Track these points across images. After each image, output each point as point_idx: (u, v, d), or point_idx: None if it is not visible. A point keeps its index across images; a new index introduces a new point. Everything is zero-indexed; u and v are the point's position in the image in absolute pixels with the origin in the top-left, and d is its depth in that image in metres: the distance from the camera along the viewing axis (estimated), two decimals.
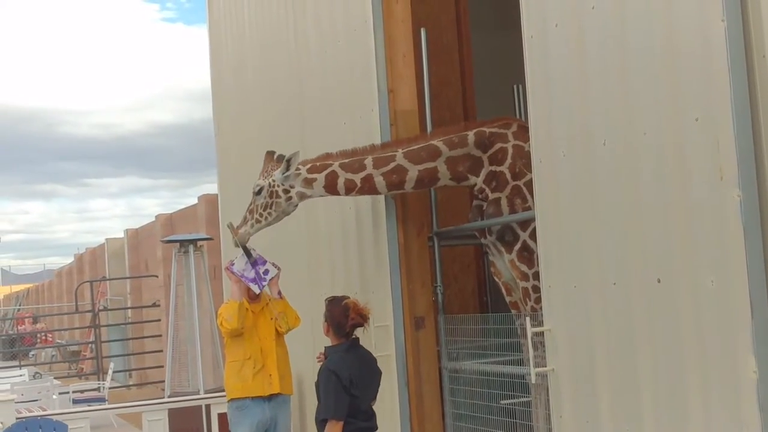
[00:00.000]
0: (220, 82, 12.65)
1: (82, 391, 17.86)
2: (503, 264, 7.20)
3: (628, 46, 5.23)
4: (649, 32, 5.08)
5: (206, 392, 12.00)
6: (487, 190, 7.17)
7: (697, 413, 4.85)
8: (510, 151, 7.09)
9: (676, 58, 4.89)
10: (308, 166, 7.47)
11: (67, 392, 17.08)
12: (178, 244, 13.42)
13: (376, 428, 6.18)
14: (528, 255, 6.90)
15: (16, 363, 28.47)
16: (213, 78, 12.86)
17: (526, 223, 6.82)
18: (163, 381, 14.01)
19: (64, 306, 38.27)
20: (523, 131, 7.01)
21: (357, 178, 7.31)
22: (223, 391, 8.02)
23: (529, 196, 6.82)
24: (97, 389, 18.48)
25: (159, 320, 22.47)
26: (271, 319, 7.75)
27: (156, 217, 24.69)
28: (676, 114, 4.89)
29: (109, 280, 28.98)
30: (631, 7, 5.21)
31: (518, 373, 6.89)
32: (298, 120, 9.75)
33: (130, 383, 24.78)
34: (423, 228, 8.01)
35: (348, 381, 5.92)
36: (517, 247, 6.97)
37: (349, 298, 6.27)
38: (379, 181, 7.29)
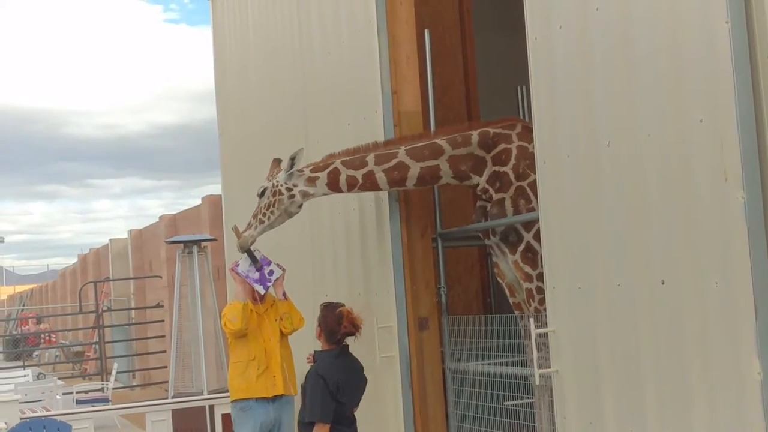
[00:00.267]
0: (224, 83, 12.65)
1: (85, 392, 17.90)
2: (507, 265, 7.20)
3: (633, 47, 5.23)
4: (653, 33, 5.08)
5: (210, 393, 12.02)
6: (491, 191, 7.17)
7: (701, 414, 4.85)
8: (514, 151, 7.09)
9: (680, 60, 4.89)
10: (311, 166, 7.50)
11: (71, 393, 17.12)
12: (182, 245, 13.46)
13: None
14: (532, 256, 6.90)
15: (19, 363, 28.54)
16: (217, 79, 12.87)
17: (530, 224, 6.82)
18: (167, 381, 14.05)
19: (68, 306, 38.34)
20: (528, 132, 7.01)
21: (359, 174, 7.33)
22: (227, 391, 8.03)
23: (533, 197, 6.82)
24: (101, 390, 18.53)
25: (163, 321, 22.50)
26: (276, 320, 7.75)
27: (160, 217, 24.74)
28: (681, 115, 4.89)
29: (113, 280, 29.02)
30: (635, 8, 5.21)
31: (522, 375, 6.88)
32: (301, 121, 9.76)
33: (134, 384, 24.82)
34: (427, 229, 8.01)
35: (335, 386, 6.08)
36: (521, 248, 6.97)
37: (343, 306, 6.39)
38: (381, 177, 7.30)
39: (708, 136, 4.72)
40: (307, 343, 8.32)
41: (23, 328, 39.22)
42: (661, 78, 5.03)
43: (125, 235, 29.43)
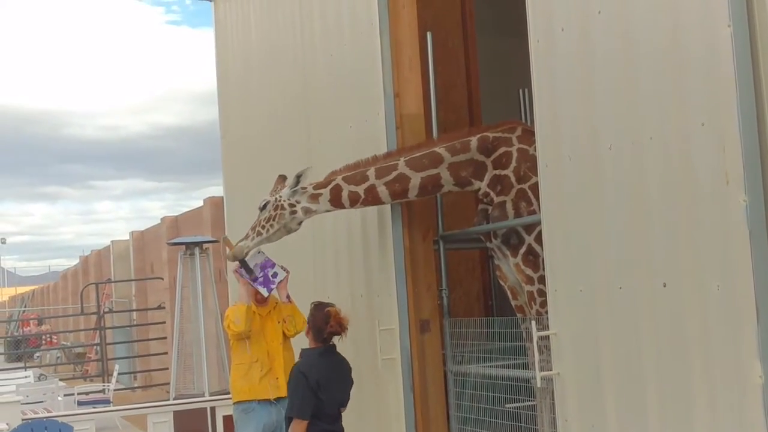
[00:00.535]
0: (226, 85, 12.66)
1: (87, 393, 17.92)
2: (508, 268, 7.20)
3: (634, 50, 5.24)
4: (655, 36, 5.08)
5: (211, 394, 12.03)
6: (492, 194, 7.18)
7: (702, 417, 4.85)
8: (514, 154, 7.10)
9: (683, 63, 4.89)
10: (313, 184, 7.55)
11: (72, 394, 17.13)
12: (183, 247, 13.47)
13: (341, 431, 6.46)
14: (533, 259, 6.91)
15: (21, 364, 28.54)
16: (219, 80, 12.87)
17: (532, 227, 6.82)
18: (168, 383, 14.05)
19: (70, 308, 38.37)
20: (528, 135, 7.02)
21: (360, 189, 7.37)
22: (228, 393, 8.04)
23: (534, 200, 6.83)
24: (102, 391, 18.56)
25: (164, 322, 22.52)
26: (279, 322, 7.76)
27: (161, 219, 24.77)
28: (682, 118, 4.90)
29: (115, 282, 29.04)
30: (637, 11, 5.22)
31: (523, 377, 6.88)
32: (303, 123, 9.76)
33: (135, 385, 24.83)
34: (429, 231, 8.01)
35: (315, 383, 6.20)
36: (523, 250, 6.98)
37: (332, 306, 6.49)
38: (382, 190, 7.34)
39: (709, 139, 4.72)
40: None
41: (25, 329, 39.22)
42: (662, 81, 5.04)
43: (127, 237, 29.46)
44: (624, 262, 5.37)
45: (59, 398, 16.37)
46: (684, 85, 4.89)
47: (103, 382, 21.23)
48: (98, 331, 25.49)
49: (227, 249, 7.76)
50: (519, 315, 7.23)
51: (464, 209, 9.02)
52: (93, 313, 27.29)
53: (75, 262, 45.48)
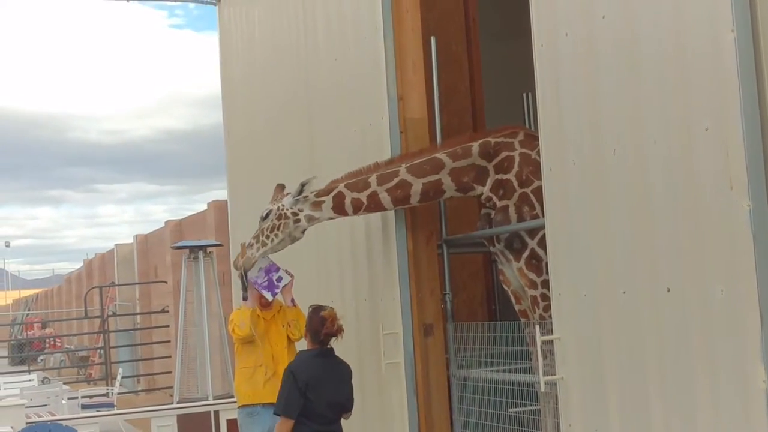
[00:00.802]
0: (230, 89, 12.68)
1: (90, 397, 17.91)
2: (512, 272, 7.21)
3: (638, 55, 5.24)
4: (659, 41, 5.09)
5: (215, 398, 12.02)
6: (495, 199, 7.19)
7: (706, 421, 4.85)
8: (517, 159, 7.11)
9: (686, 68, 4.90)
10: (315, 191, 7.56)
11: (76, 397, 17.11)
12: (187, 250, 13.47)
13: None
14: (536, 263, 6.91)
15: (25, 368, 28.55)
16: (223, 84, 12.90)
17: (535, 231, 6.83)
18: (172, 387, 14.04)
19: (73, 311, 38.40)
20: (530, 140, 7.03)
21: (363, 196, 7.40)
22: (232, 397, 8.05)
23: (536, 204, 6.83)
24: (106, 394, 18.55)
25: (168, 326, 22.52)
26: (283, 326, 7.77)
27: (165, 223, 24.77)
28: (686, 123, 4.90)
29: (118, 285, 29.05)
30: (641, 16, 5.22)
31: (527, 382, 6.88)
32: (307, 127, 9.78)
33: (139, 389, 24.83)
34: (432, 235, 8.02)
35: (304, 383, 6.27)
36: (526, 255, 6.98)
37: (328, 309, 6.54)
38: (384, 197, 7.36)
39: (713, 143, 4.72)
40: None
41: (28, 332, 39.25)
42: (666, 86, 5.04)
43: (131, 240, 29.47)
44: (628, 267, 5.37)
45: (63, 401, 16.36)
46: (688, 89, 4.89)
47: (107, 385, 21.24)
48: (102, 335, 25.50)
49: (238, 257, 7.77)
50: (522, 319, 7.23)
51: (467, 213, 9.02)
52: (97, 317, 27.31)
53: (79, 265, 45.52)
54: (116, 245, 30.72)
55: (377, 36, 8.07)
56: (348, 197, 7.45)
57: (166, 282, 23.35)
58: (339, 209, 7.53)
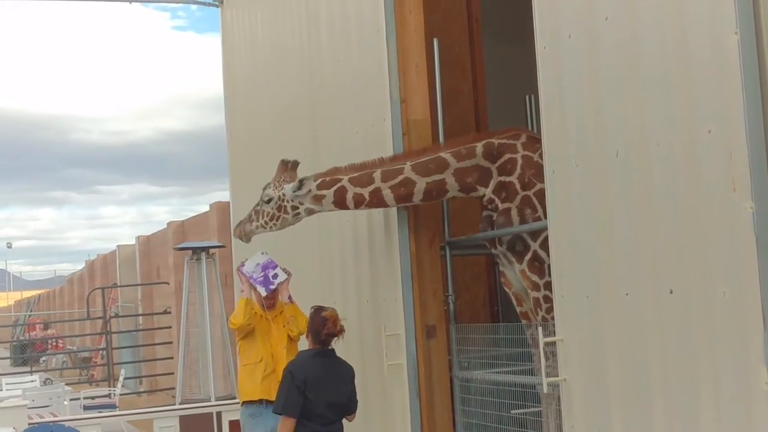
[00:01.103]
0: (233, 90, 12.70)
1: (92, 398, 17.94)
2: (514, 274, 7.21)
3: (641, 57, 5.25)
4: (662, 43, 5.09)
5: (217, 399, 12.03)
6: (497, 201, 7.19)
7: (709, 423, 4.85)
8: (519, 161, 7.11)
9: (689, 70, 4.90)
10: (318, 181, 7.54)
11: (78, 398, 17.14)
12: (190, 252, 13.48)
13: None
14: (539, 265, 6.91)
15: (27, 369, 28.58)
16: (225, 86, 12.92)
17: (537, 233, 6.83)
18: (174, 388, 14.06)
19: (75, 312, 38.44)
20: (533, 142, 7.03)
21: (365, 191, 7.39)
22: (234, 398, 8.07)
23: (539, 206, 6.83)
24: (108, 395, 18.58)
25: (170, 327, 22.54)
26: (284, 326, 7.79)
27: (168, 224, 24.81)
28: (689, 125, 4.90)
29: (121, 286, 29.09)
30: (644, 18, 5.22)
31: (529, 383, 6.89)
32: (310, 128, 9.79)
33: (141, 390, 24.86)
34: (435, 237, 8.02)
35: (302, 382, 6.29)
36: (528, 257, 6.98)
37: (330, 309, 6.60)
38: (387, 194, 7.36)
39: (716, 145, 4.72)
40: None
41: (30, 333, 39.30)
42: (669, 87, 5.04)
43: (133, 242, 29.52)
44: (630, 269, 5.37)
45: (65, 402, 16.37)
46: (691, 91, 4.89)
47: (109, 386, 21.28)
48: (104, 336, 25.53)
49: (239, 226, 7.94)
50: (524, 321, 7.23)
51: (470, 215, 9.02)
52: (99, 318, 27.34)
53: (81, 266, 45.55)
54: (118, 246, 30.78)
55: (380, 38, 8.08)
56: (350, 192, 7.44)
57: (168, 283, 23.38)
58: (340, 203, 7.54)
